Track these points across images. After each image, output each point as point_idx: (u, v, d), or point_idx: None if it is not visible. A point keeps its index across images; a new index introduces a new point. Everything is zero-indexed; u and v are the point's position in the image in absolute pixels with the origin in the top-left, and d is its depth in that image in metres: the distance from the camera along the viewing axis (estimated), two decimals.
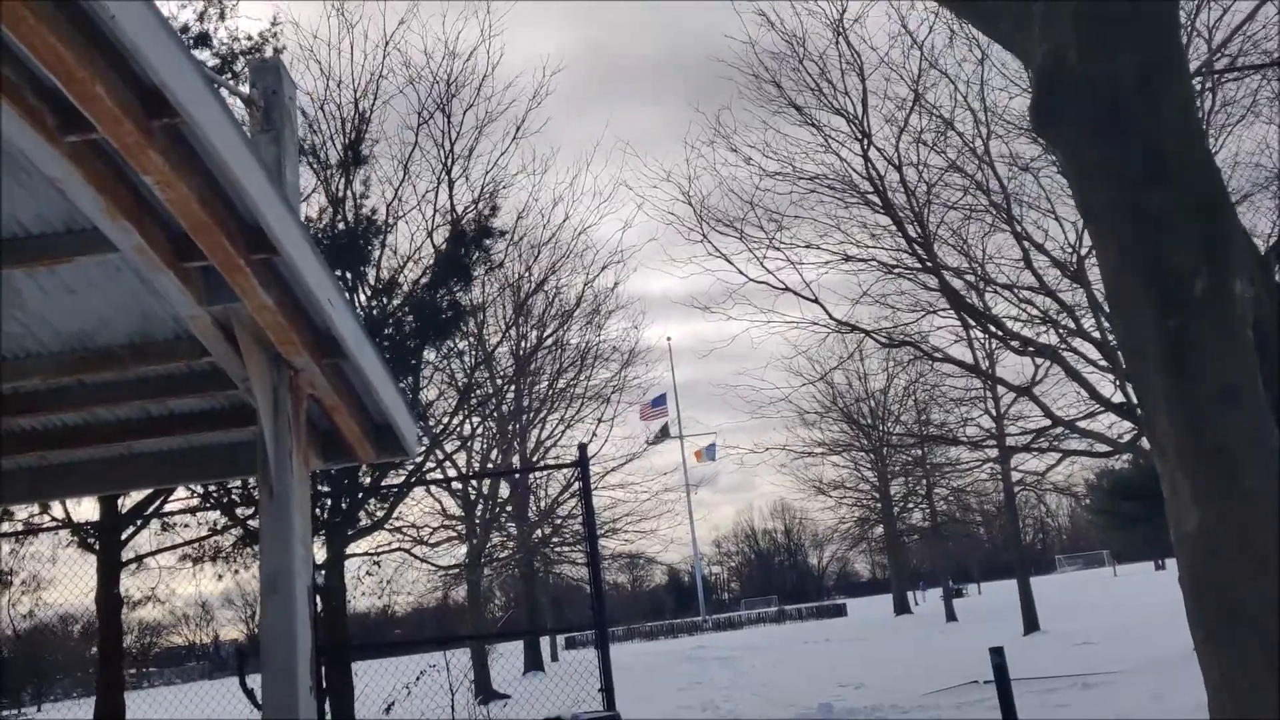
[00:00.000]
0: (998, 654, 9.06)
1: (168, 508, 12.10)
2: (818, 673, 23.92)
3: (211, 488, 11.56)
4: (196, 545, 12.86)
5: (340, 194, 12.56)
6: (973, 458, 21.92)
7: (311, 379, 7.16)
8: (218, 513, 12.16)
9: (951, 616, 44.79)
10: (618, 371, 33.02)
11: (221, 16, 12.41)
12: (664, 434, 52.74)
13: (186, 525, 12.81)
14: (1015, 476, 28.45)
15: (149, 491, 11.34)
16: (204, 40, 12.28)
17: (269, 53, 12.19)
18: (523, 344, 26.27)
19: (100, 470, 8.25)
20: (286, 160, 7.56)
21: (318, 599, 13.32)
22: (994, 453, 20.81)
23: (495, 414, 25.89)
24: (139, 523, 11.88)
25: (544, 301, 25.66)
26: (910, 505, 49.18)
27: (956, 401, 20.69)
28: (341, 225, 12.37)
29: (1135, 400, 14.62)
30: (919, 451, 30.86)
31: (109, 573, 10.88)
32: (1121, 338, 5.00)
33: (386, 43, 14.17)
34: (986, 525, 62.80)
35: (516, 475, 28.07)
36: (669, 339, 76.88)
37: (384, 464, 11.93)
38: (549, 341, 26.83)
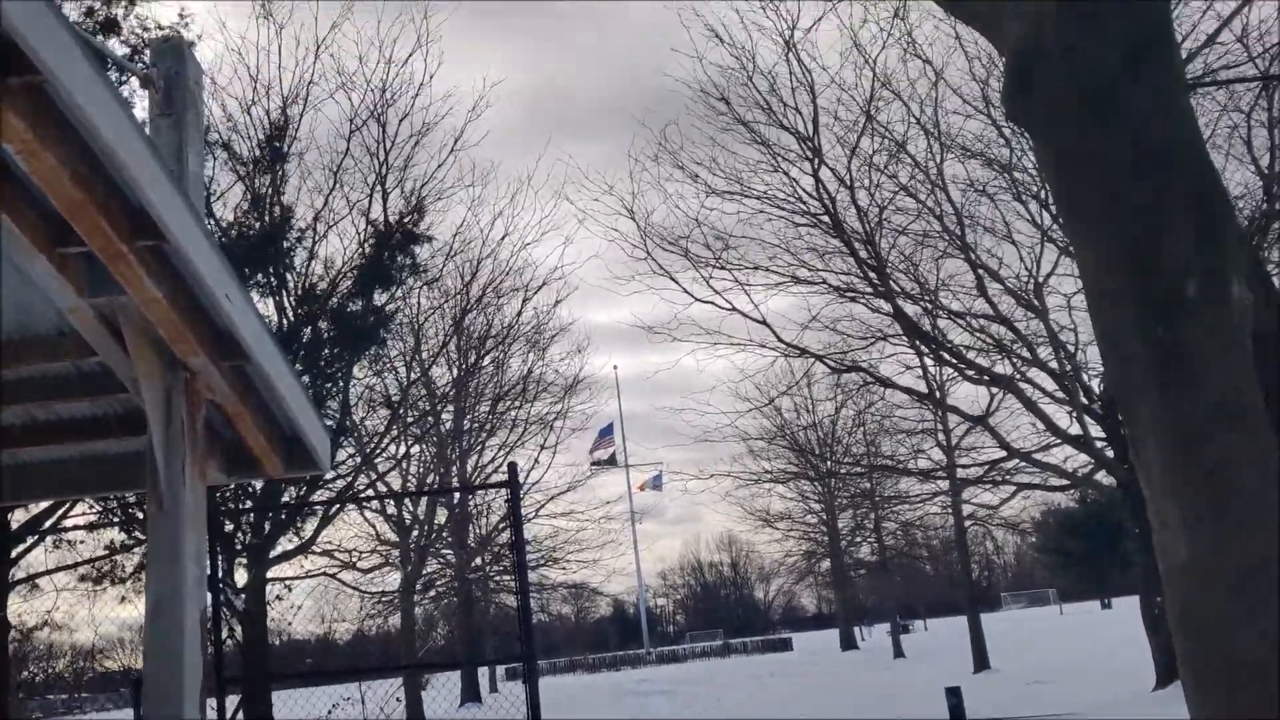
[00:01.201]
0: (954, 694, 8.53)
1: (66, 523, 11.27)
2: (762, 708, 23.30)
3: (113, 502, 10.77)
4: (94, 565, 11.99)
5: (262, 193, 11.91)
6: (923, 490, 21.53)
7: (210, 382, 6.48)
8: (117, 530, 11.38)
9: (899, 653, 44.36)
10: (561, 397, 32.41)
11: (130, 1, 11.69)
12: (610, 463, 52.12)
13: (82, 542, 11.99)
14: (966, 510, 28.13)
15: (44, 506, 10.52)
16: (111, 26, 11.56)
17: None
18: (462, 362, 25.62)
19: None
20: (189, 147, 6.92)
21: (236, 625, 12.54)
22: (945, 485, 20.39)
23: (433, 435, 25.19)
24: (30, 540, 11.03)
25: (483, 321, 25.04)
26: (858, 539, 48.87)
27: (907, 432, 20.32)
28: (259, 225, 11.71)
29: (1093, 432, 14.39)
30: (867, 484, 30.50)
31: None
32: (1105, 348, 4.49)
33: (318, 47, 13.60)
34: (934, 561, 62.63)
35: (446, 496, 27.29)
36: (615, 367, 76.28)
37: (296, 479, 11.24)
38: (488, 362, 26.20)
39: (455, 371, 25.72)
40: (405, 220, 12.95)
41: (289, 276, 12.28)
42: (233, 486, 12.29)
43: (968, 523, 30.33)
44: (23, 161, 4.77)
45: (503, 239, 17.96)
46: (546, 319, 28.37)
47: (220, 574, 12.80)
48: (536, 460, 31.76)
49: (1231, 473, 4.06)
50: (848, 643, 58.41)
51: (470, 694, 34.09)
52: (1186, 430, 4.13)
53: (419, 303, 18.02)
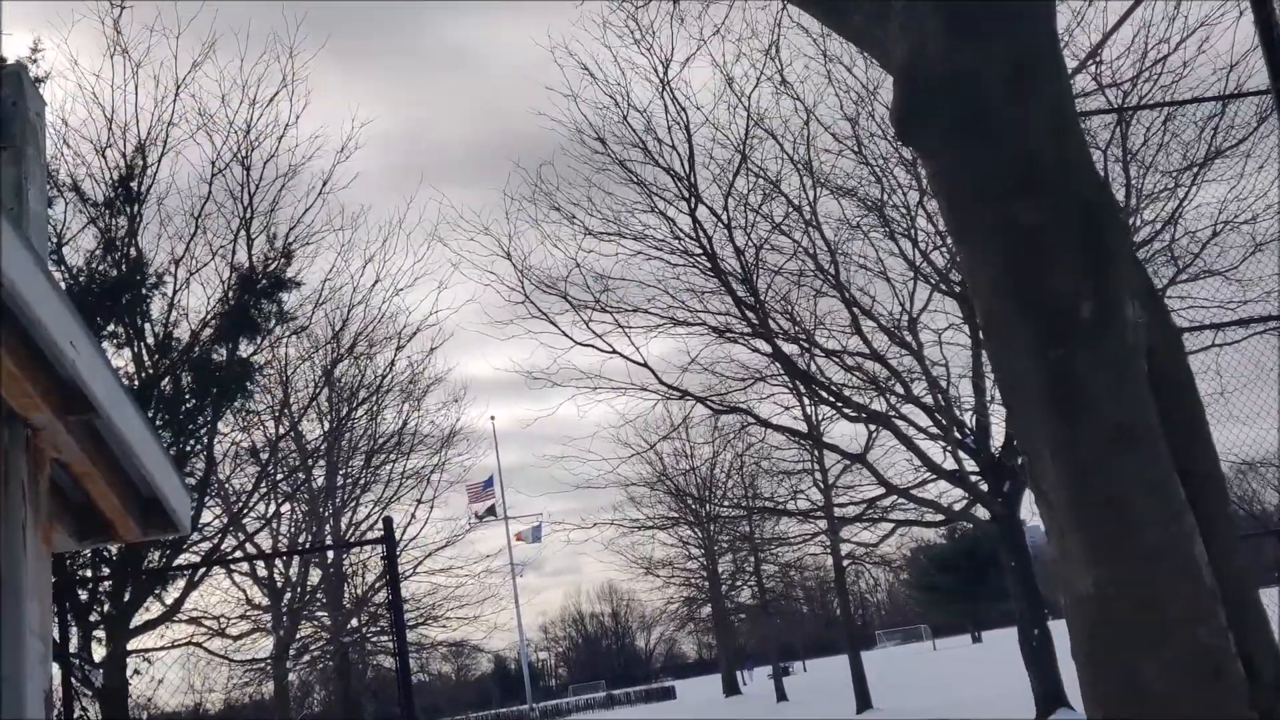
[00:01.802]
0: None
1: None
2: None
3: None
4: None
5: (116, 237, 11.26)
6: (802, 531, 21.64)
7: (56, 440, 5.98)
8: None
9: (782, 696, 44.37)
10: (438, 449, 31.74)
11: None
12: (490, 514, 51.29)
13: None
14: (845, 549, 28.38)
15: None
16: None
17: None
18: (333, 415, 24.83)
19: None
20: (30, 184, 6.44)
21: (92, 703, 11.71)
22: (824, 525, 20.50)
23: (304, 492, 24.31)
24: None
25: (355, 371, 24.32)
26: (739, 583, 48.94)
27: (786, 473, 20.40)
28: (115, 272, 11.06)
29: (968, 467, 14.63)
30: (747, 527, 30.53)
31: None
32: (1000, 372, 4.41)
33: (178, 86, 13.03)
34: (810, 601, 63.16)
35: (320, 555, 26.37)
36: (492, 418, 75.36)
37: (155, 542, 10.59)
38: (361, 414, 25.44)
39: (326, 425, 24.93)
40: (271, 265, 12.41)
41: (146, 326, 11.62)
42: (88, 552, 11.51)
43: (846, 562, 30.62)
44: None
45: (374, 285, 17.44)
46: (421, 368, 27.81)
47: (75, 648, 11.98)
48: (413, 515, 31.02)
49: (1130, 501, 4.00)
50: (730, 688, 58.27)
51: None
52: (1084, 457, 4.06)
53: (287, 353, 17.40)
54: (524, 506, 57.98)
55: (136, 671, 11.48)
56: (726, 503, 22.27)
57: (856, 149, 14.74)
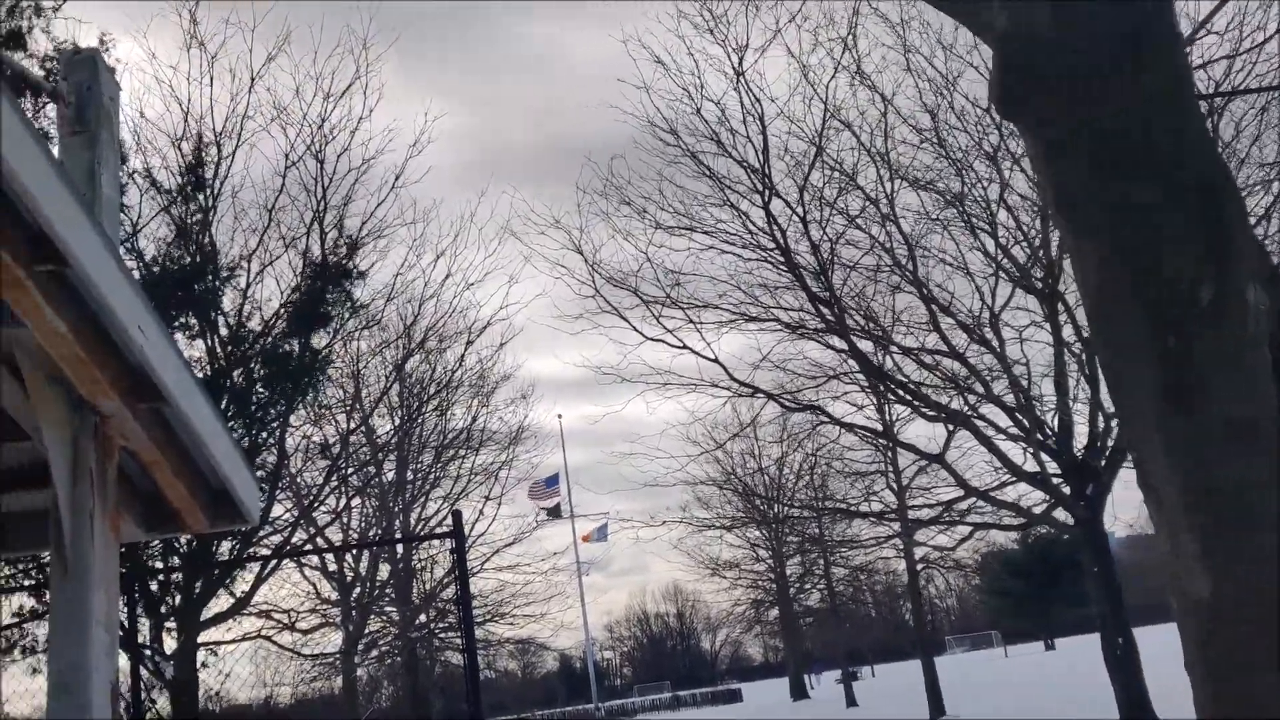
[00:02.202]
0: None
1: None
2: None
3: (24, 563, 9.98)
4: (2, 634, 11.07)
5: (187, 225, 11.30)
6: (874, 533, 21.22)
7: (124, 428, 5.91)
8: (27, 594, 10.56)
9: (852, 701, 43.78)
10: (506, 445, 31.77)
11: (37, 12, 10.97)
12: (555, 514, 51.28)
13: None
14: (919, 553, 27.86)
15: None
16: (16, 39, 10.84)
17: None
18: (404, 410, 24.91)
19: None
20: (103, 168, 6.40)
21: (161, 695, 11.76)
22: (897, 527, 20.08)
23: (374, 487, 24.43)
24: None
25: (425, 367, 24.34)
26: (807, 586, 48.40)
27: (858, 474, 20.01)
28: (185, 261, 11.10)
29: (1050, 469, 14.20)
30: (816, 529, 30.15)
31: None
32: (1107, 362, 4.12)
33: (253, 79, 13.07)
34: (879, 606, 62.38)
35: (389, 549, 26.44)
36: (559, 416, 75.57)
37: (224, 533, 10.58)
38: (431, 409, 25.47)
39: (397, 419, 24.97)
40: (342, 256, 12.39)
41: (218, 318, 11.65)
42: (158, 543, 11.55)
43: (919, 566, 30.08)
44: None
45: (445, 279, 17.42)
46: (491, 363, 27.82)
47: (145, 640, 12.04)
48: (481, 512, 31.11)
49: (1249, 499, 3.70)
50: (798, 692, 57.66)
51: None
52: (1199, 452, 3.78)
53: (358, 348, 17.44)
54: (590, 505, 58.16)
55: (204, 664, 11.51)
56: (796, 504, 21.90)
57: (936, 141, 14.38)
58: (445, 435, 28.27)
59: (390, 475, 28.27)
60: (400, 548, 28.67)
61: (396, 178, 14.31)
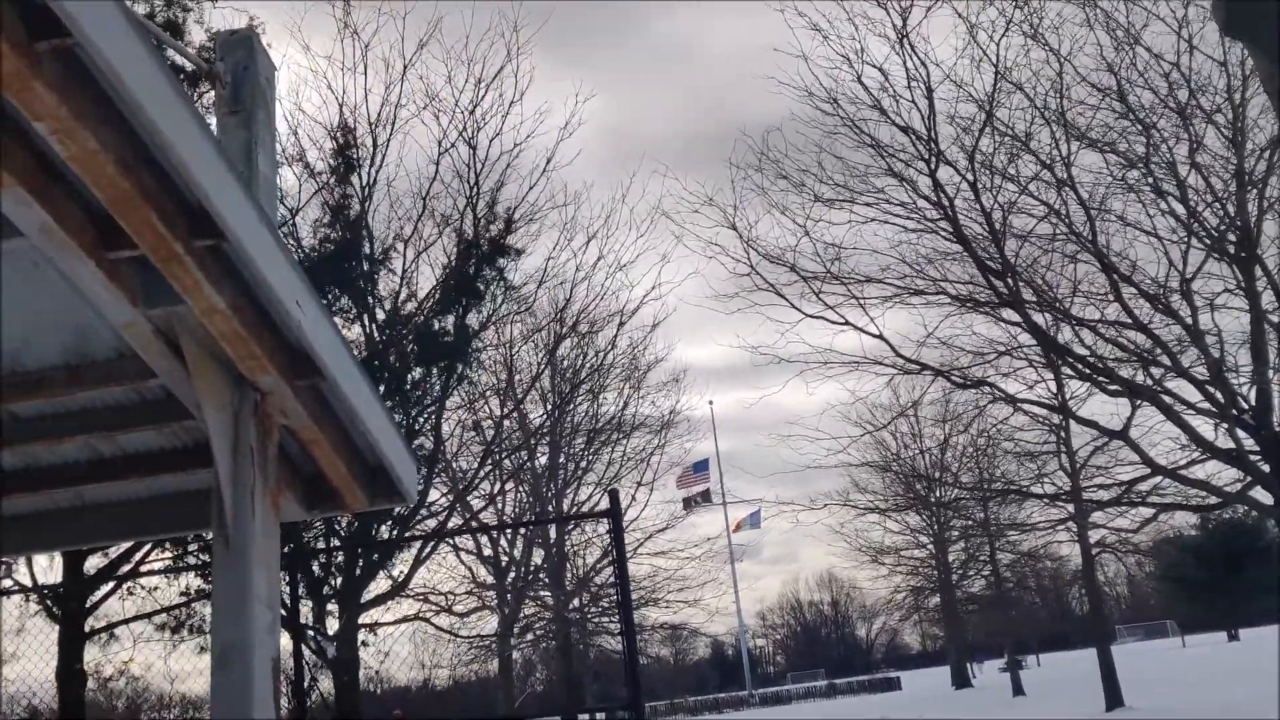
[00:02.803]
0: None
1: (144, 567, 10.64)
2: None
3: (191, 544, 10.20)
4: (171, 614, 11.35)
5: (343, 205, 11.33)
6: (1046, 517, 20.18)
7: (283, 405, 5.80)
8: (194, 574, 10.77)
9: (1019, 690, 42.23)
10: (658, 430, 31.60)
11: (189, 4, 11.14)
12: (705, 499, 51.04)
13: (155, 588, 11.38)
14: (1095, 536, 26.57)
15: (120, 550, 9.97)
16: (172, 30, 11.04)
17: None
18: (555, 395, 24.89)
19: (43, 524, 6.91)
20: (260, 148, 6.33)
21: (324, 673, 11.88)
22: (1070, 510, 19.03)
23: (528, 472, 24.49)
24: (109, 587, 10.46)
25: (577, 351, 24.23)
26: (970, 572, 46.94)
27: (1029, 455, 19.04)
28: (339, 240, 11.12)
29: (1246, 445, 13.15)
30: (981, 514, 29.07)
31: (71, 645, 9.47)
32: None
33: (405, 67, 13.06)
34: (1044, 593, 60.24)
35: (543, 533, 26.50)
36: (710, 403, 75.38)
37: (382, 514, 10.57)
38: (583, 393, 25.41)
39: (550, 404, 24.95)
40: (496, 233, 12.27)
41: (372, 300, 11.68)
42: (320, 526, 11.67)
43: (1095, 550, 28.67)
44: (56, 143, 4.15)
45: (597, 261, 17.22)
46: (642, 345, 27.65)
47: (311, 620, 12.17)
48: (634, 498, 31.04)
49: None
50: (961, 680, 56.02)
51: None
52: None
53: (511, 332, 17.39)
54: (741, 493, 57.51)
55: (363, 643, 11.58)
56: (960, 486, 20.94)
57: (1119, 96, 13.38)
58: (597, 420, 28.27)
59: (543, 460, 28.43)
60: (554, 532, 28.81)
61: (548, 160, 14.20)
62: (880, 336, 13.84)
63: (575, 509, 28.44)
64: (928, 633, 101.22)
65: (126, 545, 9.96)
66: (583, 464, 28.68)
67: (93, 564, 9.98)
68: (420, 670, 32.29)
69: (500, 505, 24.46)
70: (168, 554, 10.32)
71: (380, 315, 11.72)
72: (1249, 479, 13.15)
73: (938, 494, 31.22)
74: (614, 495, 7.61)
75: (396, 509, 12.28)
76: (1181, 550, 59.80)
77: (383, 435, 6.34)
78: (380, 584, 12.26)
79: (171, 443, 6.40)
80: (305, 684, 7.63)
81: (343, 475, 6.44)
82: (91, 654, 11.00)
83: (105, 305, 5.00)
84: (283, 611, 9.43)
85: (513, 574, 26.42)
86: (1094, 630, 30.98)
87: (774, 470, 44.97)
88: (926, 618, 64.27)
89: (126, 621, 10.93)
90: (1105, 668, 27.44)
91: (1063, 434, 21.66)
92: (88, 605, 9.57)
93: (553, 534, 29.81)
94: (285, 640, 8.04)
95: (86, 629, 9.70)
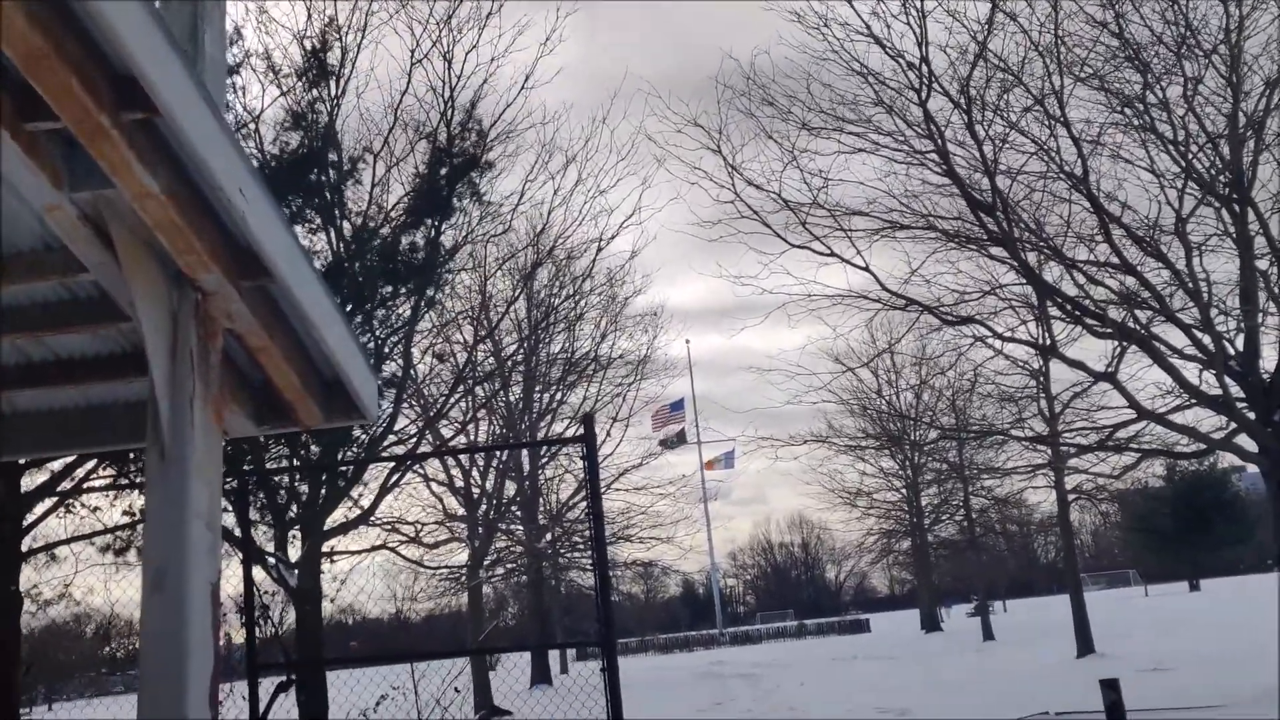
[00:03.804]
0: (1112, 689, 7.16)
1: (87, 485, 10.11)
2: (853, 695, 21.95)
3: (137, 461, 9.71)
4: (116, 535, 10.83)
5: (305, 113, 10.71)
6: (1025, 461, 19.94)
7: (228, 307, 5.33)
8: (138, 493, 10.27)
9: (989, 635, 42.52)
10: (635, 366, 31.29)
11: None
12: (680, 439, 50.90)
13: (96, 509, 10.85)
14: (1070, 483, 26.47)
15: (62, 465, 9.46)
16: None
17: None
18: (530, 322, 24.41)
19: None
20: (206, 27, 5.82)
21: (283, 604, 11.51)
22: (1048, 456, 18.81)
23: (500, 402, 24.09)
24: (47, 506, 9.89)
25: (554, 278, 23.74)
26: (944, 517, 47.07)
27: (1009, 399, 18.75)
28: (303, 147, 10.52)
29: (1233, 391, 12.89)
30: (956, 457, 28.94)
31: (5, 566, 8.96)
32: None
33: None
34: (1013, 540, 60.60)
35: (516, 457, 26.16)
36: (687, 341, 75.10)
37: (341, 432, 10.13)
38: (559, 320, 24.95)
39: (525, 330, 24.44)
40: (469, 143, 11.67)
41: (339, 214, 11.09)
42: (284, 449, 11.20)
43: (1072, 496, 28.61)
44: None
45: (575, 185, 16.56)
46: (622, 273, 27.14)
47: (273, 547, 11.77)
48: (609, 433, 30.78)
49: None
50: (930, 624, 56.42)
51: (540, 675, 33.14)
52: None
53: (485, 253, 16.79)
54: (715, 435, 57.17)
55: (323, 572, 11.16)
56: (940, 427, 20.58)
57: (1116, 32, 12.88)
58: (573, 354, 27.88)
59: (517, 392, 28.06)
60: (527, 463, 28.49)
61: (526, 77, 13.57)
62: (867, 269, 13.41)
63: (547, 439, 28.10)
64: (896, 577, 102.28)
65: (67, 460, 9.46)
66: (558, 397, 28.36)
67: (32, 482, 9.47)
68: (392, 603, 32.13)
69: (474, 435, 24.09)
70: (112, 471, 9.83)
71: (347, 230, 11.16)
72: (1233, 426, 12.90)
73: (914, 435, 31.03)
74: (588, 420, 7.21)
75: (361, 434, 11.84)
76: (1148, 501, 60.26)
77: (339, 346, 5.89)
78: (346, 512, 11.89)
79: (109, 348, 5.94)
80: (256, 614, 7.23)
81: (296, 388, 5.99)
82: (30, 577, 10.57)
83: (25, 186, 4.52)
84: (237, 535, 9.02)
85: (484, 506, 26.13)
86: (1068, 576, 31.06)
87: (750, 409, 44.74)
88: (897, 562, 64.67)
89: (64, 542, 10.41)
90: (1078, 614, 27.47)
91: (1041, 379, 21.44)
92: (24, 525, 9.09)
93: (526, 465, 29.56)
94: (236, 568, 7.63)
95: (25, 549, 9.23)
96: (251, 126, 10.88)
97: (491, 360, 21.69)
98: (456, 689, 10.00)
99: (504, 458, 26.80)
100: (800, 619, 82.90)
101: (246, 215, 4.90)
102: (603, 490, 29.20)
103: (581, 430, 7.01)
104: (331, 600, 10.40)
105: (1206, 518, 59.87)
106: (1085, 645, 26.82)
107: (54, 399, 6.25)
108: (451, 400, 15.24)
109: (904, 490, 47.10)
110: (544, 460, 29.85)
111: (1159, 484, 59.19)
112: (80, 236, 4.85)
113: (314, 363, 6.03)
